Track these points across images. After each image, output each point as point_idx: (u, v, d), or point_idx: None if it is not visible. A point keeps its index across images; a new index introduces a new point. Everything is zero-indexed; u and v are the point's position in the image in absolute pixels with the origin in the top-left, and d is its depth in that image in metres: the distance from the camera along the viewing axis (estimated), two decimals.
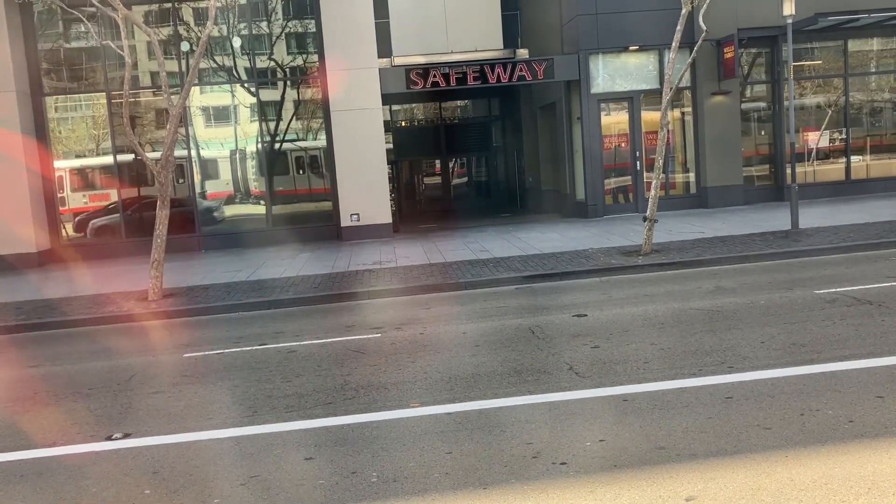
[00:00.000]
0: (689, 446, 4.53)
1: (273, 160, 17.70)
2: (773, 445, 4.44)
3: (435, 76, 17.06)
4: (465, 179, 29.25)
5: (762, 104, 18.15)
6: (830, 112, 18.07)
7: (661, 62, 17.33)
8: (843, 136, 18.13)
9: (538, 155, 21.78)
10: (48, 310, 10.69)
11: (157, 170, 11.09)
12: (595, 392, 5.64)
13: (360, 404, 5.78)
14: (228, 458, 4.95)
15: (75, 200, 17.42)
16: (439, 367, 6.62)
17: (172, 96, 11.32)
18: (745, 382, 5.59)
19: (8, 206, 15.60)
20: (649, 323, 7.68)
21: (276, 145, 17.73)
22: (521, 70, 17.29)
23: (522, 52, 18.66)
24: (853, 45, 17.90)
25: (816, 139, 18.14)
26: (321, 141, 17.64)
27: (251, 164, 17.90)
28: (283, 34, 17.75)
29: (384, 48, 18.52)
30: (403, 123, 26.89)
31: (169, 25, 17.02)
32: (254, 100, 17.58)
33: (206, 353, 7.93)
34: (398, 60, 17.97)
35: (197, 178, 17.45)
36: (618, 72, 17.55)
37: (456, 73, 17.12)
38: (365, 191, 16.75)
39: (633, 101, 17.48)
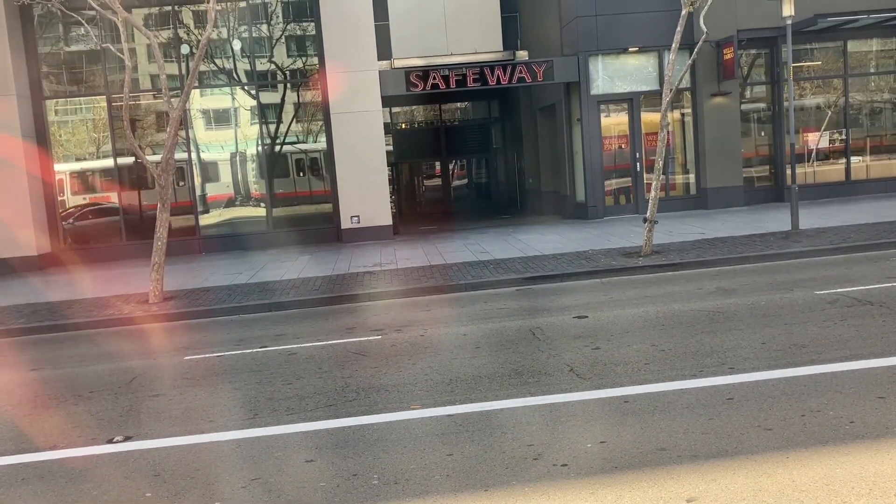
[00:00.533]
0: (690, 447, 4.52)
1: (273, 163, 17.71)
2: (775, 446, 4.44)
3: (435, 78, 17.07)
4: (465, 181, 29.27)
5: (762, 105, 18.15)
6: (830, 113, 18.08)
7: (660, 63, 17.34)
8: (843, 136, 18.14)
9: (538, 157, 21.79)
10: (49, 313, 10.70)
11: (158, 173, 11.09)
12: (596, 393, 5.64)
13: (361, 406, 5.78)
14: (230, 460, 4.95)
15: (76, 203, 17.41)
16: (440, 369, 6.62)
17: (172, 99, 11.33)
18: (746, 383, 5.59)
19: (8, 209, 15.60)
20: (650, 324, 7.68)
21: (277, 148, 17.74)
22: (520, 72, 17.30)
23: (522, 54, 18.67)
24: (853, 46, 17.91)
25: (816, 140, 18.14)
26: (321, 143, 17.65)
27: (251, 167, 17.91)
28: (283, 37, 17.77)
29: (384, 50, 18.54)
30: (403, 125, 26.91)
31: (169, 28, 17.04)
32: (254, 102, 17.59)
33: (207, 355, 7.93)
34: (398, 62, 17.98)
35: (197, 180, 17.46)
36: (617, 73, 17.56)
37: (456, 75, 17.14)
38: (365, 193, 16.76)
39: (632, 102, 17.49)
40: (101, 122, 17.27)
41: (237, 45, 17.48)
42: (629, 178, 17.75)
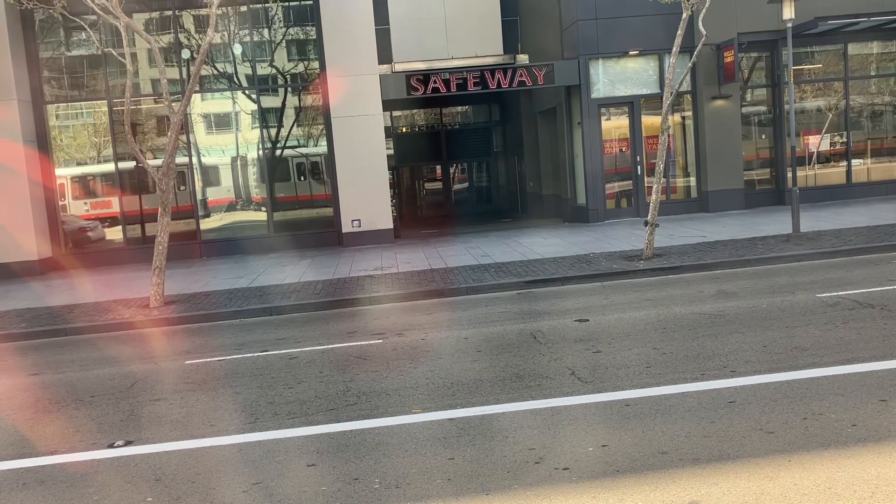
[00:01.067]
0: (691, 451, 4.52)
1: (274, 167, 17.72)
2: (777, 450, 4.43)
3: (435, 82, 17.09)
4: (466, 185, 29.27)
5: (762, 108, 18.16)
6: (831, 115, 18.08)
7: (661, 67, 17.36)
8: (844, 139, 18.14)
9: (539, 160, 21.80)
10: (50, 318, 10.70)
11: (159, 177, 11.10)
12: (597, 397, 5.63)
13: (362, 410, 5.77)
14: (231, 465, 4.94)
15: (77, 208, 17.44)
16: (441, 373, 6.61)
17: (173, 104, 11.35)
18: (747, 386, 5.58)
19: (10, 214, 15.62)
20: (651, 327, 7.67)
21: (277, 152, 17.75)
22: (521, 75, 17.31)
23: (522, 58, 18.70)
24: (853, 49, 17.92)
25: (817, 143, 18.14)
26: (322, 147, 17.66)
27: (252, 171, 17.92)
28: (284, 41, 17.79)
29: (384, 54, 18.56)
30: (404, 129, 26.92)
31: (170, 33, 17.07)
32: (255, 106, 17.61)
33: (208, 359, 7.93)
34: (398, 66, 18.01)
35: (198, 184, 17.48)
36: (618, 76, 17.57)
37: (456, 78, 17.15)
38: (366, 196, 16.76)
39: (633, 105, 17.50)
40: (102, 126, 17.29)
41: (238, 49, 17.51)
42: (630, 182, 17.75)
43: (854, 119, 18.15)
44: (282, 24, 17.72)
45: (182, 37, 17.16)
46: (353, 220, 16.84)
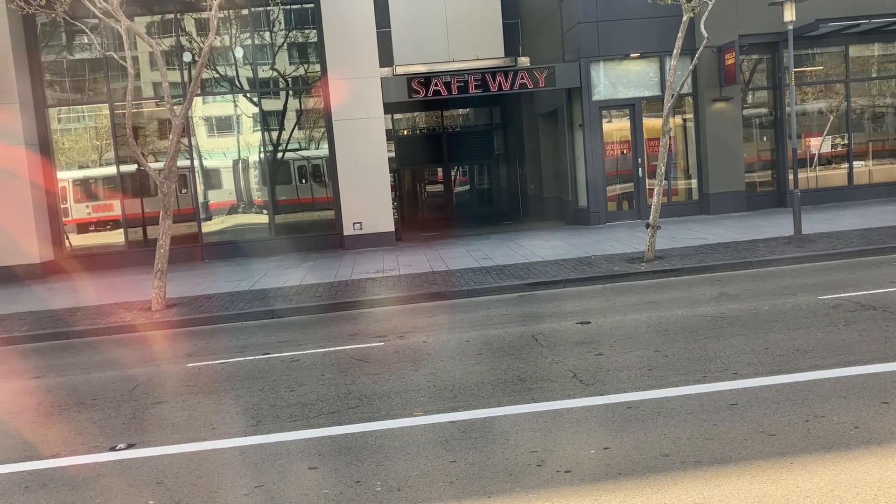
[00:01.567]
0: (693, 453, 4.51)
1: (275, 169, 17.74)
2: (779, 452, 4.43)
3: (436, 85, 17.11)
4: (467, 187, 29.30)
5: (764, 110, 18.16)
6: (832, 117, 18.08)
7: (662, 69, 17.36)
8: (846, 141, 18.13)
9: (540, 162, 21.81)
10: (52, 321, 10.71)
11: (160, 180, 11.11)
12: (599, 400, 5.63)
13: (364, 413, 5.77)
14: (232, 468, 4.94)
15: (78, 211, 17.46)
16: (443, 376, 6.61)
17: (175, 107, 11.36)
18: (749, 389, 5.58)
19: (11, 217, 15.64)
20: (653, 330, 7.67)
21: (279, 155, 17.77)
22: (522, 78, 17.33)
23: (524, 60, 18.72)
24: (854, 51, 17.92)
25: (818, 145, 18.14)
26: (323, 150, 17.67)
27: (254, 174, 17.94)
28: (285, 44, 17.82)
29: (386, 57, 18.59)
30: (405, 132, 26.95)
31: (171, 36, 17.10)
32: (256, 110, 17.63)
33: (210, 362, 7.93)
34: (400, 69, 18.03)
35: (200, 188, 17.49)
36: (619, 79, 17.58)
37: (457, 81, 17.17)
38: (367, 199, 16.77)
39: (634, 108, 17.50)
40: (103, 129, 17.32)
41: (239, 52, 17.53)
42: (631, 184, 17.75)
43: (855, 121, 18.14)
44: (283, 28, 17.74)
45: (183, 40, 17.19)
46: (354, 223, 16.84)
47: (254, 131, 17.72)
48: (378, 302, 10.47)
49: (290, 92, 17.80)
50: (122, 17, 10.83)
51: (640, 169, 17.57)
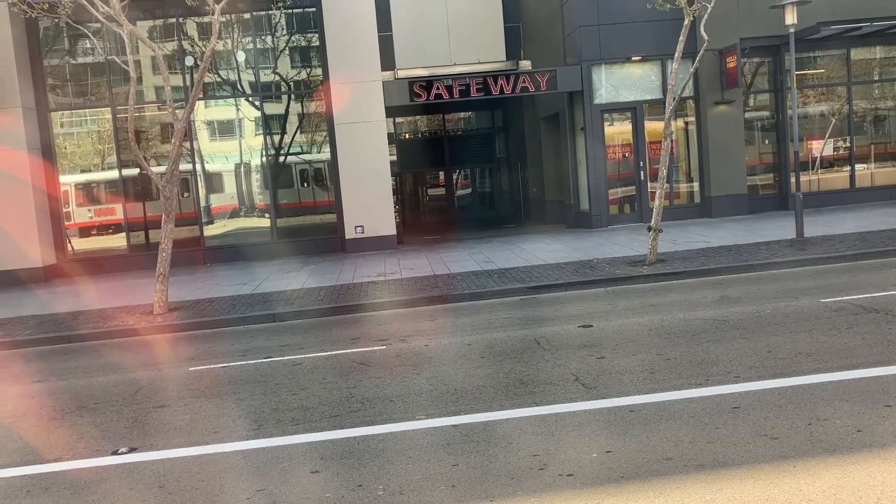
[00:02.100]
0: (696, 457, 4.50)
1: (277, 173, 17.76)
2: (781, 456, 4.42)
3: (438, 88, 17.12)
4: (469, 190, 29.30)
5: (765, 113, 18.16)
6: (834, 120, 18.07)
7: (663, 72, 17.37)
8: (848, 144, 18.12)
9: (542, 165, 21.81)
10: (54, 325, 10.72)
11: (163, 184, 11.13)
12: (601, 403, 5.63)
13: (366, 417, 5.77)
14: (234, 471, 4.94)
15: (81, 215, 17.48)
16: (445, 379, 6.61)
17: (177, 111, 11.38)
18: (751, 392, 5.57)
19: (14, 221, 15.65)
20: (655, 333, 7.66)
21: (281, 158, 17.79)
22: (523, 81, 17.34)
23: (525, 64, 18.70)
24: (856, 54, 17.92)
25: (820, 148, 18.13)
26: (325, 154, 17.69)
27: (256, 178, 17.95)
28: (287, 48, 17.85)
29: (387, 61, 18.60)
30: (407, 135, 26.97)
31: (173, 40, 17.13)
32: (258, 113, 17.65)
33: (212, 366, 7.93)
34: (401, 73, 18.03)
35: (202, 191, 17.51)
36: (621, 82, 17.59)
37: (459, 85, 17.19)
38: (369, 203, 16.78)
39: (636, 111, 17.50)
40: (106, 133, 17.35)
41: (241, 56, 17.57)
42: (633, 187, 17.75)
43: (857, 124, 18.13)
44: (285, 32, 17.77)
45: (186, 44, 17.23)
46: (356, 227, 16.85)
47: (256, 135, 17.74)
48: (380, 305, 10.47)
49: (292, 96, 17.83)
50: (125, 22, 10.86)
51: (641, 172, 17.57)
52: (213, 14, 11.18)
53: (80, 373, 8.16)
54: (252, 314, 10.34)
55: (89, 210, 17.56)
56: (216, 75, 17.60)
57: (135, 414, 6.37)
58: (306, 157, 17.95)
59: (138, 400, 6.79)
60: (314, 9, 17.23)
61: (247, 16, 17.28)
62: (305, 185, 18.05)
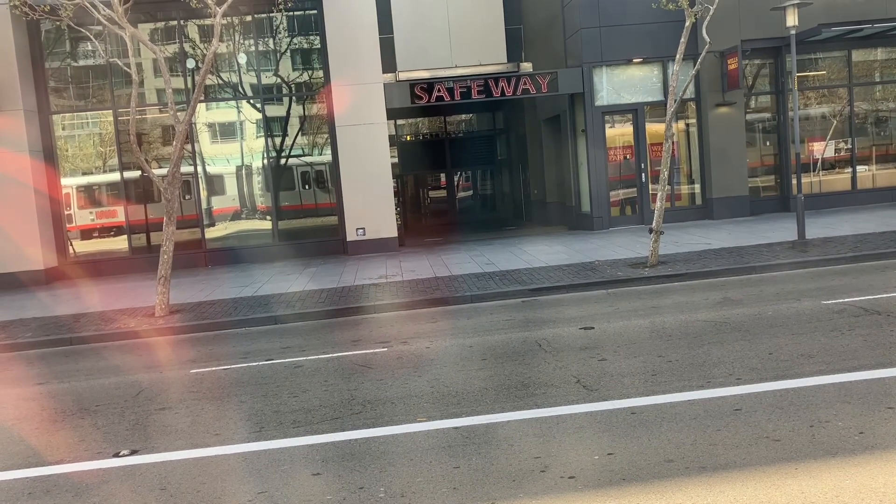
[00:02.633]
0: (697, 459, 4.50)
1: (279, 175, 17.77)
2: (783, 458, 4.42)
3: (439, 90, 17.13)
4: (471, 193, 29.31)
5: (767, 115, 18.15)
6: (835, 122, 18.07)
7: (664, 74, 17.37)
8: (849, 145, 18.11)
9: (543, 167, 21.81)
10: (56, 327, 10.72)
11: (164, 186, 11.14)
12: (603, 405, 5.62)
13: (368, 419, 5.77)
14: (236, 474, 4.94)
15: (82, 218, 17.50)
16: (446, 382, 6.60)
17: (178, 113, 11.39)
18: (753, 394, 5.56)
19: (15, 224, 15.66)
20: (657, 335, 7.66)
21: (282, 161, 17.80)
22: (525, 83, 17.35)
23: (526, 66, 18.72)
24: (857, 56, 17.92)
25: (822, 149, 18.12)
26: (326, 156, 17.71)
27: (257, 180, 17.97)
28: (289, 51, 17.87)
29: (389, 63, 18.61)
30: (408, 137, 26.99)
31: (175, 43, 17.15)
32: (259, 116, 17.67)
33: (213, 368, 7.94)
34: (402, 75, 18.05)
35: (203, 194, 17.52)
36: (622, 84, 17.59)
37: (460, 87, 17.20)
38: (370, 205, 16.78)
39: (637, 113, 17.50)
40: (107, 136, 17.36)
41: (243, 58, 17.59)
42: (634, 189, 17.75)
43: (859, 125, 18.12)
44: (286, 34, 17.80)
45: (187, 47, 17.25)
46: (357, 229, 16.85)
47: (257, 137, 17.75)
48: (381, 308, 10.47)
49: (294, 98, 17.85)
50: (126, 24, 10.88)
51: (643, 174, 17.57)
52: (214, 16, 11.19)
53: (82, 375, 8.17)
54: (253, 316, 10.35)
55: (91, 212, 17.58)
56: (217, 78, 17.62)
57: (136, 416, 6.37)
58: (307, 159, 17.97)
59: (140, 402, 6.79)
60: (315, 11, 17.25)
61: (248, 18, 17.30)
62: (307, 187, 18.07)
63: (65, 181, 17.14)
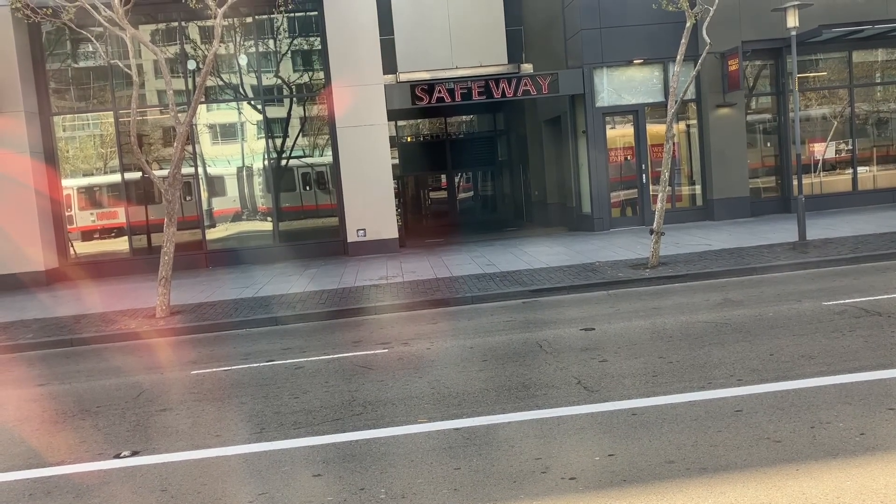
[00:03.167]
0: (698, 460, 4.50)
1: (279, 177, 17.78)
2: (784, 459, 4.41)
3: (440, 91, 17.14)
4: (471, 194, 29.33)
5: (767, 116, 18.15)
6: (836, 123, 18.07)
7: (665, 75, 17.37)
8: (850, 146, 18.11)
9: (544, 169, 21.81)
10: (57, 328, 10.73)
11: (165, 187, 11.15)
12: (604, 406, 5.62)
13: (368, 420, 5.77)
14: (237, 475, 4.94)
15: (83, 219, 17.51)
16: (446, 383, 6.60)
17: (179, 114, 11.40)
18: (754, 395, 5.56)
19: (16, 225, 15.67)
20: (657, 336, 7.65)
21: (283, 162, 17.81)
22: (525, 85, 17.35)
23: (527, 67, 18.73)
24: (857, 56, 17.91)
25: (822, 150, 18.12)
26: (327, 157, 17.71)
27: (258, 181, 17.98)
28: (289, 52, 17.88)
29: (389, 64, 18.62)
30: (409, 139, 27.00)
31: (176, 44, 17.17)
32: (260, 117, 17.68)
33: (214, 369, 7.94)
34: (403, 76, 18.06)
35: (204, 195, 17.53)
36: (622, 85, 17.60)
37: (461, 88, 17.20)
38: (371, 206, 16.79)
39: (638, 114, 17.51)
40: (108, 137, 17.38)
41: (243, 60, 17.60)
42: (635, 190, 17.75)
43: (859, 126, 18.12)
44: (287, 35, 17.81)
45: (188, 48, 17.26)
46: (358, 230, 16.86)
47: (258, 139, 17.77)
48: (382, 309, 10.47)
49: (294, 99, 17.86)
50: (127, 26, 10.89)
51: (643, 175, 17.57)
52: (215, 18, 11.20)
53: (83, 376, 8.17)
54: (254, 318, 10.35)
55: (92, 214, 17.59)
56: (218, 79, 17.63)
57: (137, 417, 6.37)
58: (308, 160, 17.98)
59: (140, 403, 6.79)
60: (316, 12, 17.27)
61: (249, 19, 17.31)
62: (307, 188, 18.07)
63: (65, 182, 17.16)
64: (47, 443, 5.90)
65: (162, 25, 17.39)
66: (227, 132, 18.15)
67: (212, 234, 17.60)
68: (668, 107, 12.14)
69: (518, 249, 15.41)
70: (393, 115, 20.75)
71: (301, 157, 17.92)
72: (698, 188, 17.93)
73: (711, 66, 16.91)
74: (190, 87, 17.03)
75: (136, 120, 11.33)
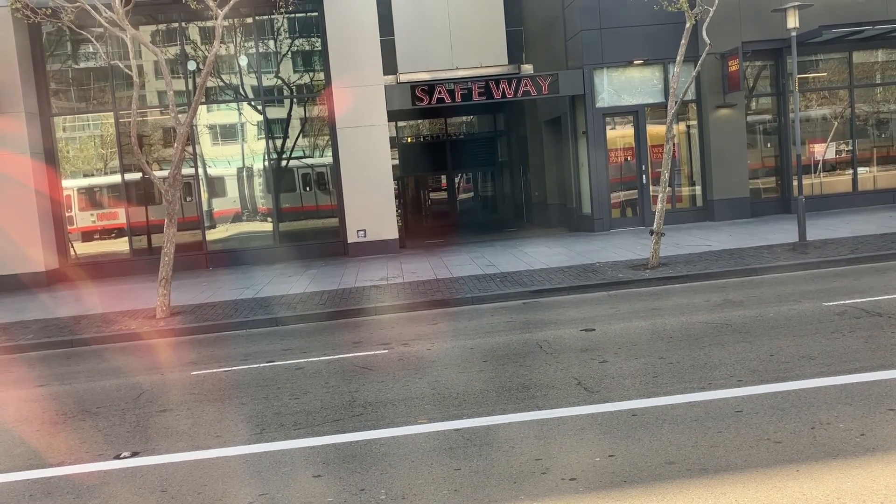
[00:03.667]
0: (698, 461, 4.50)
1: (280, 177, 17.78)
2: (784, 459, 4.41)
3: (440, 92, 17.14)
4: (471, 194, 29.33)
5: (768, 116, 18.15)
6: (836, 124, 18.07)
7: (665, 76, 17.38)
8: (850, 147, 18.11)
9: (544, 169, 21.82)
10: (57, 329, 10.73)
11: (165, 188, 11.15)
12: (603, 407, 5.62)
13: (368, 421, 5.77)
14: (237, 476, 4.94)
15: (83, 220, 17.52)
16: (447, 383, 6.60)
17: (180, 115, 11.40)
18: (754, 396, 5.56)
19: (17, 226, 15.68)
20: (658, 336, 7.65)
21: (283, 162, 17.82)
22: (525, 85, 17.35)
23: (527, 68, 18.74)
24: (858, 57, 17.91)
25: (822, 151, 18.12)
26: (327, 158, 17.72)
27: (258, 182, 17.98)
28: (289, 52, 17.89)
29: (389, 65, 18.64)
30: (409, 139, 27.01)
31: (176, 45, 17.18)
32: (260, 117, 17.68)
33: (214, 370, 7.94)
34: (403, 77, 18.06)
35: (204, 195, 17.54)
36: (623, 86, 17.60)
37: (461, 89, 17.21)
38: (371, 207, 16.79)
39: (638, 114, 17.51)
40: (108, 138, 17.39)
41: (244, 60, 17.60)
42: (635, 191, 17.75)
43: (860, 127, 18.12)
44: (287, 36, 17.82)
45: (188, 49, 17.27)
46: (358, 231, 16.86)
47: (258, 139, 17.77)
48: (382, 309, 10.47)
49: (294, 100, 17.87)
50: (128, 27, 10.89)
51: (643, 176, 17.58)
52: (215, 18, 11.21)
53: (83, 377, 8.17)
54: (254, 318, 10.35)
55: (92, 214, 17.60)
56: (218, 79, 17.64)
57: (137, 418, 6.37)
58: (308, 161, 17.98)
59: (141, 404, 6.79)
60: (316, 13, 17.28)
61: (249, 20, 17.32)
62: (307, 189, 18.08)
63: (66, 183, 17.17)
64: (47, 443, 5.90)
65: (162, 26, 17.40)
66: (227, 133, 18.15)
67: (212, 235, 17.60)
68: (668, 107, 12.14)
69: (518, 250, 15.41)
70: (393, 116, 20.76)
71: (301, 157, 17.93)
72: (698, 189, 17.93)
73: (711, 66, 16.91)
74: (190, 87, 17.03)
75: (136, 120, 11.33)
